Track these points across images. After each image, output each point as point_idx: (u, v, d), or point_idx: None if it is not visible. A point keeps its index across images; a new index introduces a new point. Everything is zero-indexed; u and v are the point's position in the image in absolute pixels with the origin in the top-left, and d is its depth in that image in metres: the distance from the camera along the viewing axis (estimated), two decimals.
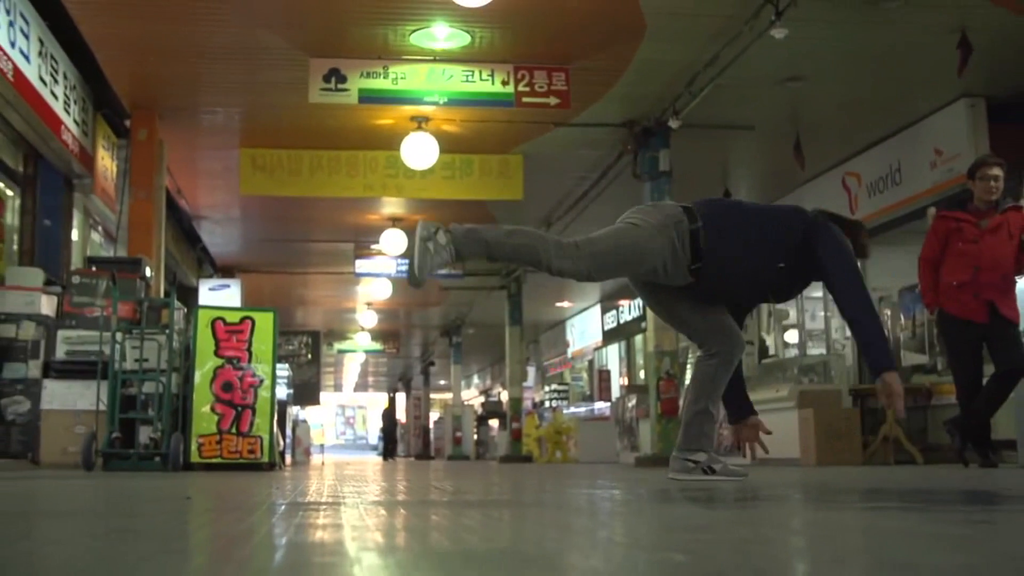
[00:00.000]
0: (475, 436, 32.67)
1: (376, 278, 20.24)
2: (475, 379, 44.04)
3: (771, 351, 15.57)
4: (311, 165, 13.06)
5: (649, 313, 12.93)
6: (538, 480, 6.80)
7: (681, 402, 13.11)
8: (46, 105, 9.45)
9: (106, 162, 11.73)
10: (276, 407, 9.56)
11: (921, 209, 11.09)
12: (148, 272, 10.51)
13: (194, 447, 8.92)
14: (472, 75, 10.51)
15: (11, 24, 8.43)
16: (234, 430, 9.04)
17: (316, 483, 5.83)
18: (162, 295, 11.06)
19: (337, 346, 32.60)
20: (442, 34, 9.93)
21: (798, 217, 5.01)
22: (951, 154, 11.06)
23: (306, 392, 25.07)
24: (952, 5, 9.06)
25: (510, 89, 10.48)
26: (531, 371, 32.33)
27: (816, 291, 14.83)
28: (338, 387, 53.19)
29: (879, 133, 12.35)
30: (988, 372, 7.65)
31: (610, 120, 12.16)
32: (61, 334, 9.23)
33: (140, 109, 11.69)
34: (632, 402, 16.87)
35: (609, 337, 25.28)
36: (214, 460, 8.95)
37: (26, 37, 8.84)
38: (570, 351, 29.04)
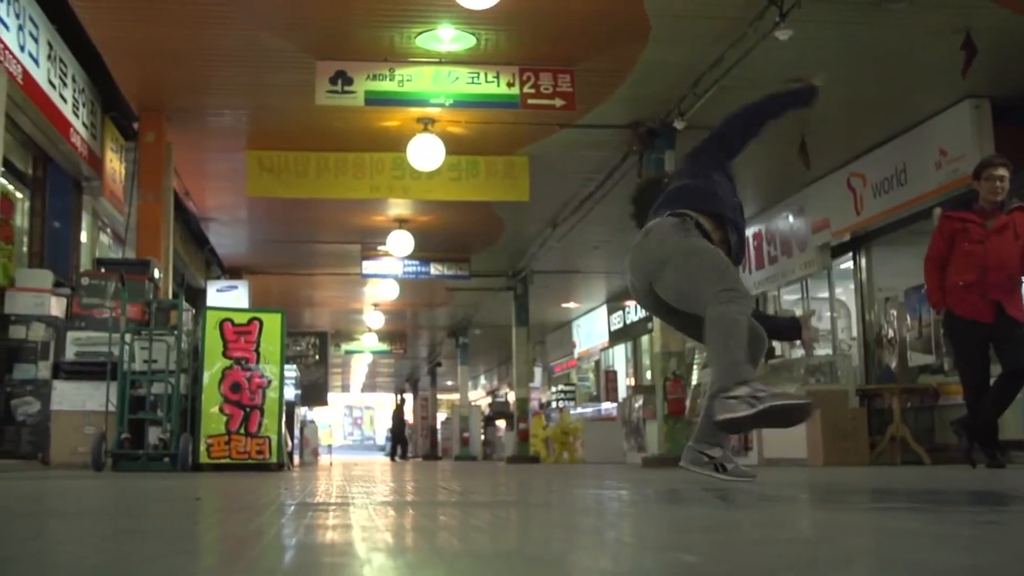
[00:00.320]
0: (482, 437, 32.66)
1: (383, 279, 20.26)
2: (482, 380, 44.03)
3: (777, 352, 15.56)
4: (318, 167, 13.08)
5: None
6: (545, 481, 6.81)
7: (687, 402, 13.16)
8: (55, 108, 9.48)
9: (114, 164, 11.76)
10: (284, 408, 9.59)
11: (927, 210, 11.08)
12: (156, 274, 10.54)
13: (203, 448, 8.95)
14: (478, 77, 10.53)
15: (21, 28, 8.46)
16: (242, 431, 9.07)
17: (324, 484, 5.84)
18: (170, 296, 11.09)
19: (344, 347, 32.61)
20: (448, 36, 9.94)
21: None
22: (956, 155, 11.05)
23: (314, 393, 25.08)
24: (956, 6, 9.06)
25: (515, 91, 10.50)
26: (538, 372, 32.33)
27: (822, 291, 14.88)
28: (345, 388, 53.19)
29: (884, 134, 12.34)
30: (995, 372, 7.65)
31: (615, 122, 12.16)
32: (70, 335, 9.26)
33: (148, 112, 11.73)
34: (639, 403, 16.87)
35: (616, 338, 25.27)
36: (223, 461, 8.98)
37: (35, 41, 8.88)
38: (576, 352, 29.03)
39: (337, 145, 12.96)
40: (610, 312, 25.29)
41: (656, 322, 12.93)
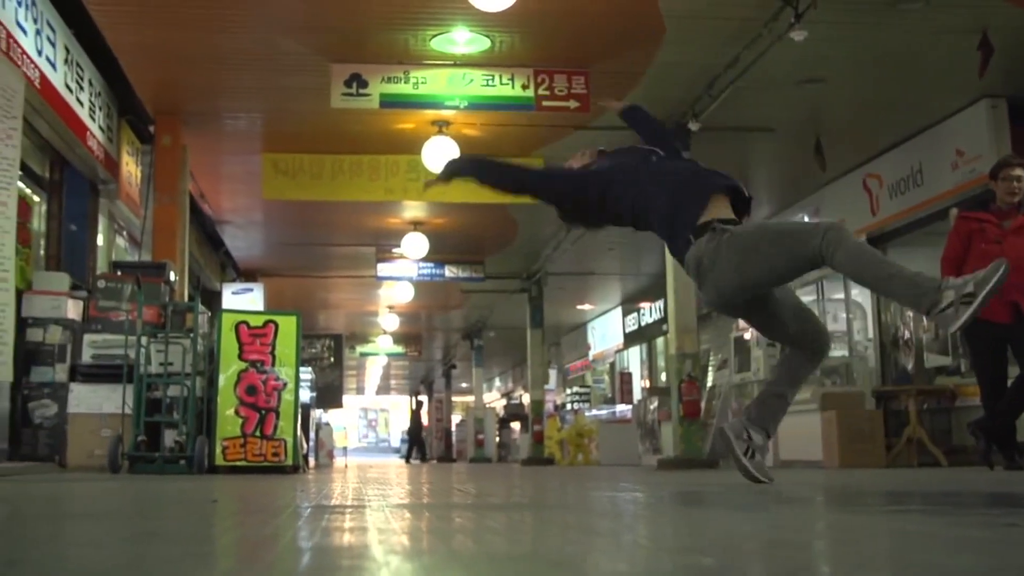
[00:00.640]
0: (497, 439, 32.66)
1: (398, 281, 20.28)
2: (496, 382, 44.04)
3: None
4: (333, 169, 13.11)
5: (671, 315, 12.91)
6: (560, 483, 6.81)
7: (703, 404, 13.13)
8: (72, 112, 9.53)
9: (131, 167, 11.81)
10: (299, 410, 9.60)
11: (943, 210, 11.05)
12: (172, 276, 10.58)
13: (218, 450, 8.97)
14: (492, 79, 10.54)
15: (38, 32, 8.51)
16: (258, 433, 9.09)
17: (340, 486, 5.85)
18: (186, 299, 11.13)
19: (359, 349, 32.66)
20: (462, 39, 9.95)
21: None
22: (973, 155, 11.01)
23: (329, 395, 25.12)
24: (973, 5, 9.02)
25: (530, 93, 10.50)
26: (552, 374, 32.31)
27: (838, 292, 14.84)
28: (360, 390, 53.26)
29: (900, 134, 12.30)
30: (1013, 373, 7.61)
31: None
32: (87, 338, 9.30)
33: (164, 115, 11.77)
34: (654, 404, 16.84)
35: (630, 339, 25.24)
36: (238, 463, 9.00)
37: (52, 45, 8.93)
38: (591, 353, 29.02)
39: (352, 148, 12.98)
40: (625, 314, 25.27)
41: (671, 324, 12.91)
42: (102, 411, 8.93)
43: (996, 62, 9.34)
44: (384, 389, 53.82)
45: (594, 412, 24.04)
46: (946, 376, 11.88)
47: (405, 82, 10.45)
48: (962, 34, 9.37)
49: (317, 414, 20.21)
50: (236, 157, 13.43)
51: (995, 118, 10.85)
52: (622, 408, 22.41)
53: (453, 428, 38.82)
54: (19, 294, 8.90)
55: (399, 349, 32.84)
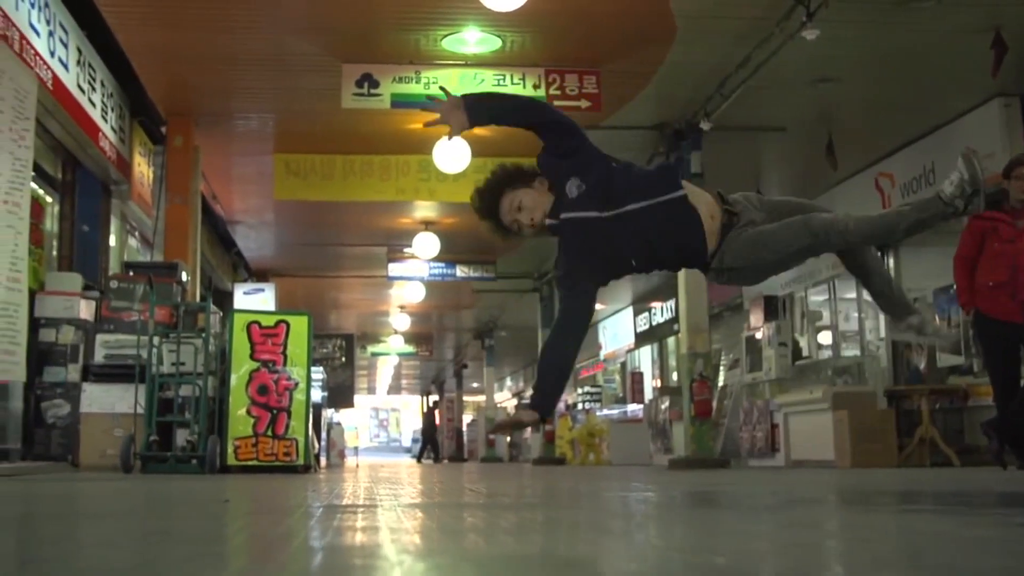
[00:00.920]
0: (508, 438, 32.65)
1: (409, 281, 20.29)
2: (508, 381, 44.02)
3: (805, 352, 15.49)
4: (344, 170, 13.12)
5: (682, 315, 12.89)
6: (572, 482, 6.81)
7: (714, 404, 13.10)
8: (84, 113, 9.56)
9: (143, 168, 11.84)
10: (311, 410, 9.61)
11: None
12: (184, 277, 10.60)
13: (230, 450, 8.98)
14: (503, 79, 10.54)
15: (51, 34, 8.54)
16: (270, 433, 9.10)
17: (351, 486, 5.86)
18: (198, 299, 11.15)
19: (371, 349, 32.68)
20: (473, 39, 9.96)
21: None
22: (985, 154, 10.95)
23: (340, 395, 25.13)
24: (986, 4, 8.98)
25: (541, 92, 10.49)
26: None
27: (850, 292, 14.80)
28: (371, 390, 53.32)
29: (912, 133, 12.26)
30: None
31: (641, 123, 12.14)
32: (99, 338, 9.32)
33: (176, 116, 11.80)
34: (665, 404, 16.82)
35: (641, 339, 25.21)
36: (250, 463, 9.01)
37: (65, 46, 8.95)
38: (603, 353, 28.99)
39: (363, 148, 12.99)
40: (636, 314, 25.24)
41: (682, 323, 12.89)
42: (114, 411, 8.95)
43: (1009, 61, 9.31)
44: (395, 389, 53.87)
45: (605, 412, 24.01)
46: (958, 376, 11.84)
47: (416, 82, 10.45)
48: (975, 33, 9.34)
49: (328, 414, 20.24)
50: (248, 158, 13.45)
51: (1008, 117, 10.80)
52: (633, 408, 22.38)
53: (464, 428, 38.83)
54: (32, 294, 8.93)
55: (410, 349, 32.85)
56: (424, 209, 15.92)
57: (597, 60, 10.40)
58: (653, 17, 9.37)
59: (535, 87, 10.49)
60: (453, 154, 11.98)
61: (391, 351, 33.11)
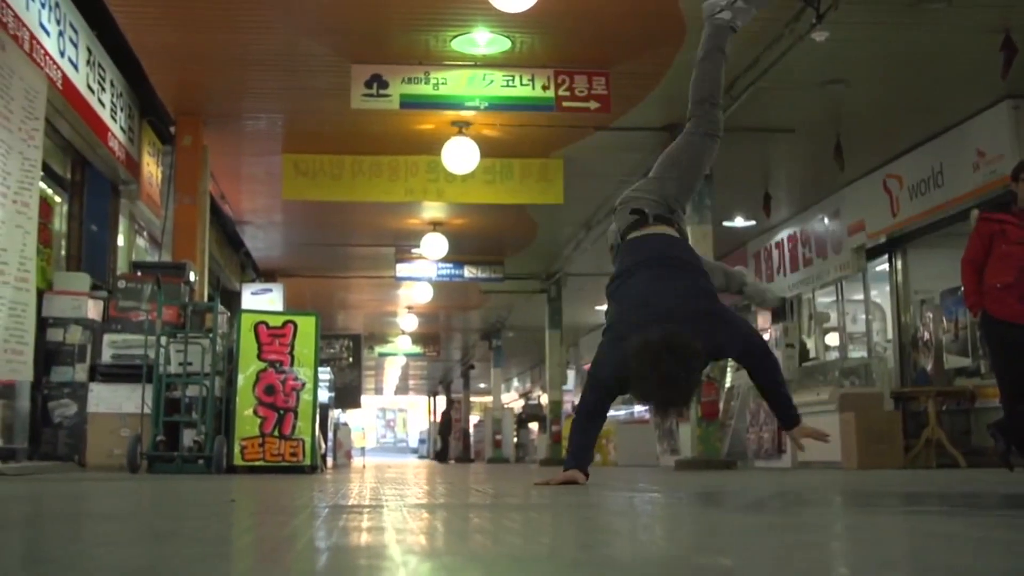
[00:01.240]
0: (515, 439, 32.65)
1: (417, 282, 20.31)
2: (515, 382, 44.02)
3: (812, 354, 15.48)
4: (353, 170, 13.14)
5: None
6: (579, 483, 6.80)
7: (721, 405, 13.09)
8: (94, 113, 9.58)
9: (151, 168, 11.86)
10: (318, 410, 9.62)
11: (964, 211, 10.99)
12: (192, 277, 10.62)
13: (237, 450, 8.99)
14: (513, 80, 10.54)
15: (61, 34, 8.56)
16: (276, 433, 9.11)
17: (358, 486, 5.87)
18: (206, 299, 11.17)
19: (378, 349, 32.70)
20: (483, 40, 9.96)
21: None
22: (994, 156, 10.95)
23: (347, 395, 25.16)
24: (995, 5, 8.97)
25: (550, 94, 10.50)
26: (571, 374, 32.26)
27: (857, 294, 14.78)
28: (379, 390, 53.35)
29: (921, 135, 12.25)
30: None
31: (650, 124, 12.13)
32: (107, 338, 9.34)
33: (185, 116, 11.82)
34: None
35: None
36: (256, 463, 9.02)
37: (75, 46, 8.98)
38: None
39: (372, 148, 13.01)
40: None
41: None
42: (121, 411, 8.96)
43: (1019, 63, 9.30)
44: (402, 389, 53.87)
45: (612, 413, 23.96)
46: (965, 377, 11.83)
47: (425, 83, 10.46)
48: (984, 34, 9.32)
49: (335, 414, 20.26)
50: (256, 158, 13.47)
51: (1017, 119, 10.78)
52: (640, 408, 22.35)
53: (471, 428, 38.84)
54: (40, 294, 8.95)
55: (418, 349, 32.86)
56: (432, 210, 15.94)
57: (606, 61, 10.41)
58: (662, 18, 9.37)
59: (544, 88, 10.50)
60: (462, 155, 12.00)
61: (398, 352, 33.12)
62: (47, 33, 8.18)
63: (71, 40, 8.86)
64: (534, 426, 31.63)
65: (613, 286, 5.20)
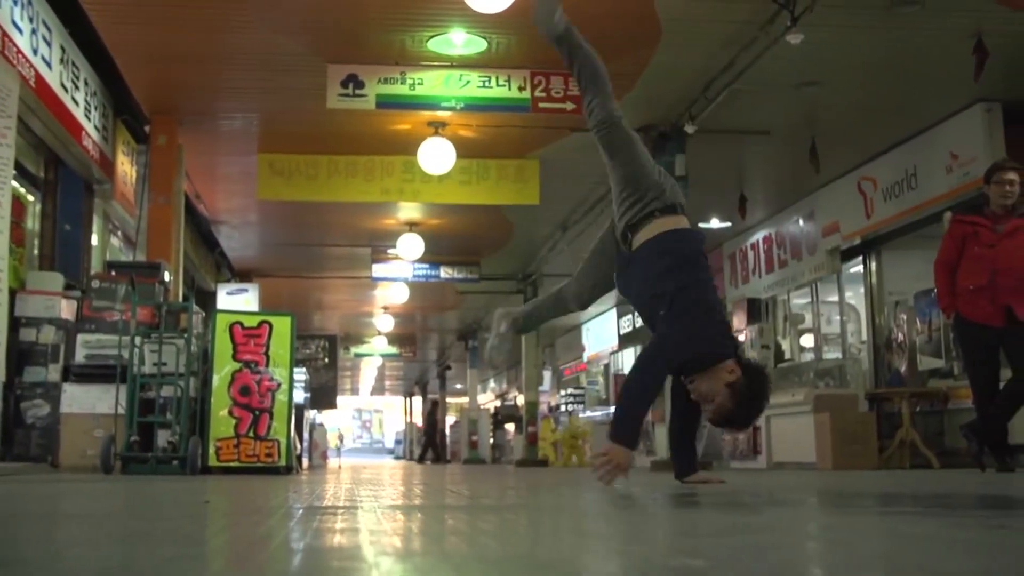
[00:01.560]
0: (491, 440, 32.64)
1: (393, 282, 20.28)
2: (491, 383, 44.02)
3: (787, 355, 15.55)
4: (328, 170, 13.11)
5: None
6: (554, 484, 6.81)
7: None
8: (67, 111, 9.52)
9: (126, 167, 11.80)
10: (293, 411, 9.59)
11: (937, 213, 11.07)
12: (167, 276, 10.57)
13: (212, 451, 8.96)
14: (489, 81, 10.54)
15: (34, 31, 8.50)
16: (251, 434, 9.08)
17: (333, 487, 5.85)
18: (181, 299, 11.12)
19: (354, 350, 32.64)
20: (459, 40, 9.96)
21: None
22: (967, 158, 11.03)
23: (323, 396, 25.11)
24: (968, 10, 9.04)
25: (526, 95, 10.51)
26: (547, 375, 32.29)
27: (832, 295, 14.86)
28: (355, 391, 53.28)
29: (895, 137, 12.33)
30: (1005, 376, 7.63)
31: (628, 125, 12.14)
32: (81, 338, 9.28)
33: (160, 115, 11.76)
34: None
35: (625, 341, 25.22)
36: (231, 464, 8.99)
37: (48, 44, 8.92)
38: (586, 355, 29.01)
39: (348, 148, 12.98)
40: (619, 316, 25.25)
41: None
42: (95, 411, 8.91)
43: (991, 66, 9.37)
44: (379, 390, 53.81)
45: (588, 414, 24.05)
46: (939, 379, 11.91)
47: (402, 83, 10.45)
48: (957, 38, 9.40)
49: (311, 415, 20.21)
50: (232, 157, 13.42)
51: (989, 122, 10.87)
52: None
53: (447, 429, 38.81)
54: (12, 294, 8.89)
55: (394, 350, 32.83)
56: (408, 210, 15.92)
57: None
58: (638, 20, 9.39)
59: (520, 89, 10.51)
60: (438, 156, 11.99)
61: (374, 352, 33.08)
62: (20, 31, 8.12)
63: (44, 38, 8.80)
64: (510, 427, 31.64)
65: (691, 259, 5.08)
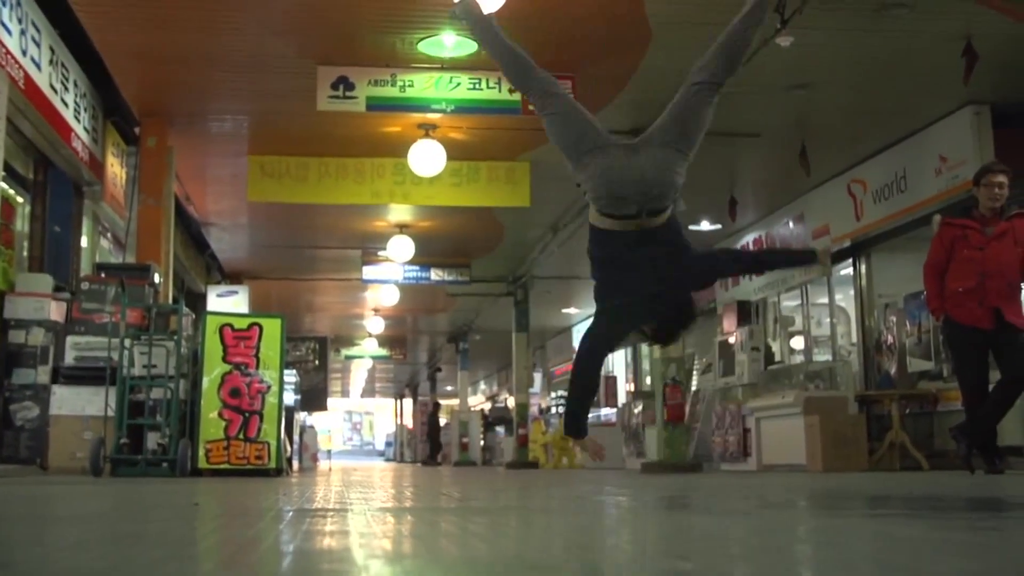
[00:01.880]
0: (482, 442, 32.63)
1: (383, 284, 20.26)
2: (482, 385, 44.02)
3: (777, 357, 15.57)
4: (319, 172, 13.09)
5: None
6: (545, 486, 6.81)
7: (687, 408, 13.12)
8: (56, 113, 9.49)
9: (115, 169, 11.77)
10: (283, 413, 9.59)
11: (926, 216, 11.08)
12: (157, 278, 10.54)
13: (201, 453, 8.95)
14: (479, 83, 10.54)
15: (23, 33, 8.48)
16: (241, 436, 9.07)
17: (323, 489, 5.84)
18: (170, 301, 11.09)
19: (344, 352, 32.59)
20: (450, 42, 9.95)
21: None
22: (956, 161, 11.05)
23: (313, 398, 25.07)
24: (957, 13, 9.06)
25: (517, 97, 10.49)
26: (538, 377, 32.30)
27: (822, 297, 14.88)
28: (345, 393, 53.18)
29: (885, 140, 12.34)
30: (994, 378, 7.65)
31: (617, 127, 12.10)
32: (70, 340, 9.26)
33: (149, 116, 11.73)
34: (638, 408, 16.86)
35: None
36: (221, 466, 8.98)
37: (37, 45, 8.89)
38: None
39: (338, 150, 12.96)
40: None
41: None
42: (84, 413, 8.89)
43: (980, 69, 9.39)
44: (369, 392, 53.76)
45: None
46: (928, 381, 11.93)
47: (392, 85, 10.44)
48: (947, 41, 9.42)
49: (301, 417, 20.19)
50: (222, 159, 13.39)
51: (979, 124, 10.89)
52: (607, 411, 22.44)
53: (426, 431, 38.78)
54: (1, 296, 8.87)
55: (384, 352, 32.79)
56: (399, 212, 15.91)
57: (572, 64, 10.41)
58: (628, 22, 9.40)
59: (511, 91, 10.50)
60: (428, 158, 11.98)
61: (365, 354, 33.04)
62: (8, 32, 8.10)
63: (33, 39, 8.77)
64: (501, 429, 31.63)
65: None
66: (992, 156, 10.16)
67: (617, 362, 26.17)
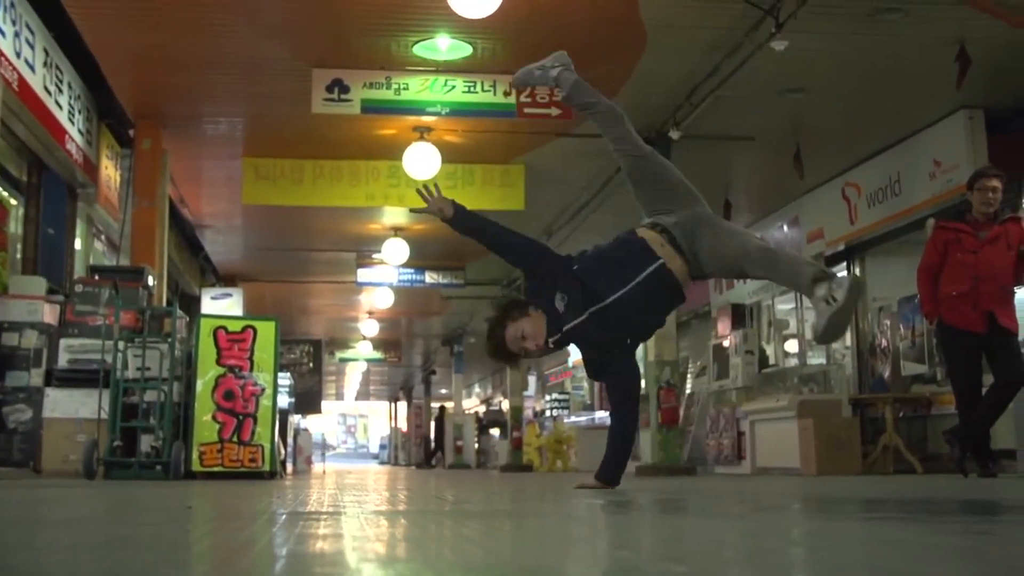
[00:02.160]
0: (476, 445, 32.63)
1: (378, 287, 20.26)
2: (476, 388, 44.00)
3: (771, 360, 15.58)
4: (313, 175, 13.09)
5: None
6: (539, 489, 6.81)
7: (681, 411, 13.14)
8: (51, 115, 9.48)
9: (110, 171, 11.75)
10: (277, 416, 9.57)
11: (920, 220, 11.11)
12: (151, 281, 10.53)
13: (195, 456, 8.93)
14: (474, 86, 10.55)
15: (17, 35, 8.46)
16: (235, 439, 9.05)
17: (317, 492, 5.84)
18: (164, 304, 11.08)
19: (339, 355, 32.58)
20: (445, 45, 9.96)
21: None
22: (950, 165, 11.08)
23: (307, 401, 25.05)
24: (951, 17, 9.08)
25: (512, 100, 10.51)
26: (532, 380, 32.30)
27: None
28: (340, 396, 53.18)
29: (879, 144, 12.37)
30: (987, 382, 7.66)
31: None
32: (63, 342, 9.24)
33: (144, 119, 11.73)
34: None
35: None
36: (215, 469, 8.96)
37: (31, 47, 8.88)
38: (571, 360, 29.03)
39: (333, 153, 12.96)
40: None
41: None
42: (78, 416, 8.87)
43: (974, 73, 9.42)
44: (363, 395, 53.74)
45: (573, 419, 24.05)
46: (922, 384, 11.95)
47: (387, 88, 10.45)
48: (940, 45, 9.44)
49: (295, 420, 20.16)
50: (216, 162, 13.39)
51: (972, 129, 10.92)
52: (601, 415, 22.41)
53: (432, 434, 38.76)
54: None
55: (379, 355, 32.79)
56: (393, 215, 15.91)
57: None
58: (623, 26, 9.41)
59: (505, 94, 10.51)
60: (423, 161, 11.98)
61: (359, 357, 33.04)
62: (2, 34, 8.09)
63: (27, 41, 8.76)
64: (495, 432, 31.64)
65: None
66: (985, 160, 10.19)
67: None
